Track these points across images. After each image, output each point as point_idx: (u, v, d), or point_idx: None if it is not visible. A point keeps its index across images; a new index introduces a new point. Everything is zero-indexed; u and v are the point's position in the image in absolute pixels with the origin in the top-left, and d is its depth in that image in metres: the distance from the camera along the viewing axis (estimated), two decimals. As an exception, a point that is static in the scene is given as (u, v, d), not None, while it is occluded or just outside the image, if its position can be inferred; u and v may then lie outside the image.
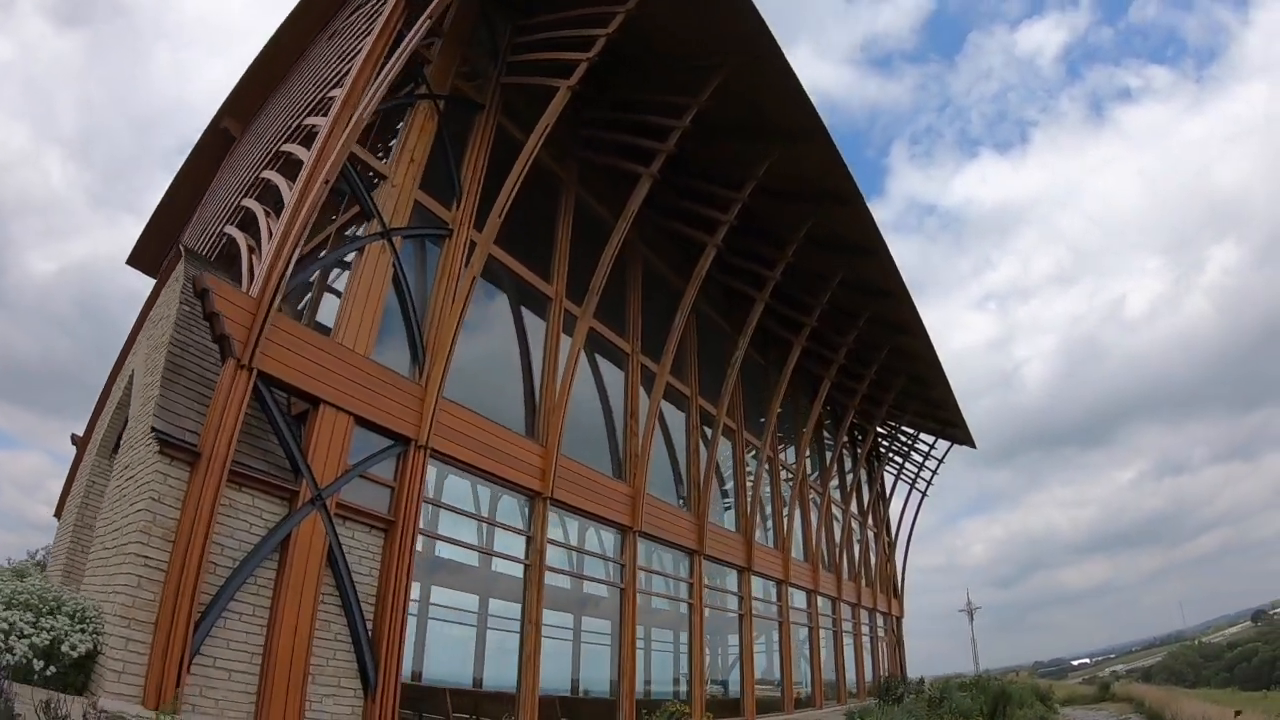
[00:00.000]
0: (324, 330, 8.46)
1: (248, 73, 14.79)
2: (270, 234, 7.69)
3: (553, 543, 10.69)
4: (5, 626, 5.36)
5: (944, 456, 28.41)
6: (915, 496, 28.20)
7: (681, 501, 14.66)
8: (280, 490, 6.85)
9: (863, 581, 23.25)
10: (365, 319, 8.12)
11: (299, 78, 13.16)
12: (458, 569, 11.77)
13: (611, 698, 11.37)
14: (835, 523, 22.33)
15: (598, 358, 13.26)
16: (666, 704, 10.62)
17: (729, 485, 17.16)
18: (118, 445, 9.51)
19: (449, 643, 12.37)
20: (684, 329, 13.58)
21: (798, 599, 18.52)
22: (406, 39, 8.45)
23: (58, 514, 13.27)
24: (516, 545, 10.31)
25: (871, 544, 25.35)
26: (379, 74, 8.26)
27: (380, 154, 9.78)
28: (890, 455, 28.26)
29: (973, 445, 28.18)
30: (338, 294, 9.30)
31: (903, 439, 27.87)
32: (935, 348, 20.26)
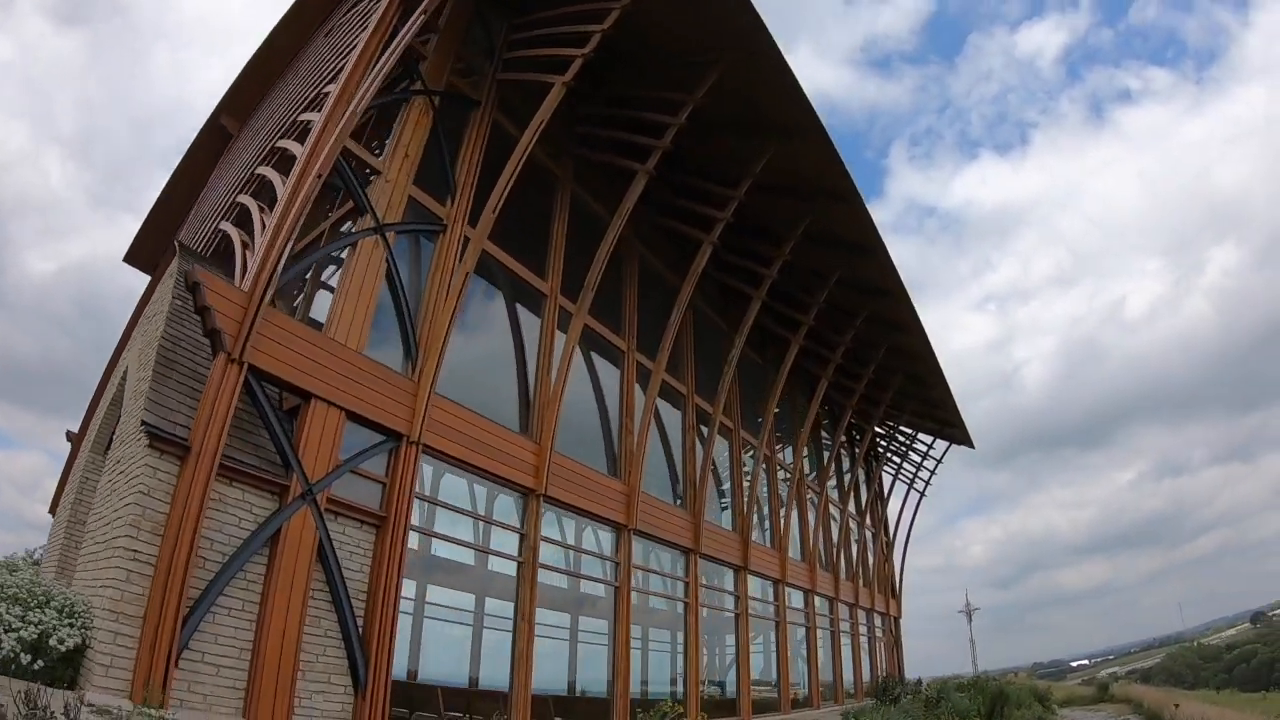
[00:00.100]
0: (317, 326, 8.45)
1: (245, 70, 14.78)
2: (264, 228, 7.68)
3: (547, 540, 10.67)
4: (-7, 620, 5.34)
5: (942, 456, 28.38)
6: (914, 497, 28.20)
7: (679, 501, 14.64)
8: (271, 485, 6.83)
9: (860, 581, 23.22)
10: (358, 314, 8.10)
11: (295, 74, 13.15)
12: (455, 568, 11.74)
13: (608, 698, 11.34)
14: (833, 522, 22.31)
15: (593, 355, 13.25)
16: (660, 704, 10.58)
17: (726, 485, 17.14)
18: (112, 441, 9.49)
19: (446, 642, 12.34)
20: (680, 326, 13.56)
21: (795, 599, 18.50)
22: (400, 34, 8.44)
23: (52, 511, 13.25)
24: (511, 543, 10.30)
25: (869, 544, 25.31)
26: (373, 69, 8.25)
27: (376, 151, 9.77)
28: (888, 455, 28.24)
29: (971, 445, 28.15)
30: (332, 290, 9.28)
31: (901, 439, 27.85)
32: (933, 347, 20.25)
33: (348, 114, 7.77)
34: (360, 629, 7.26)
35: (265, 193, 9.73)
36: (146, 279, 15.69)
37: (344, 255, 8.71)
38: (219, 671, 6.14)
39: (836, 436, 23.00)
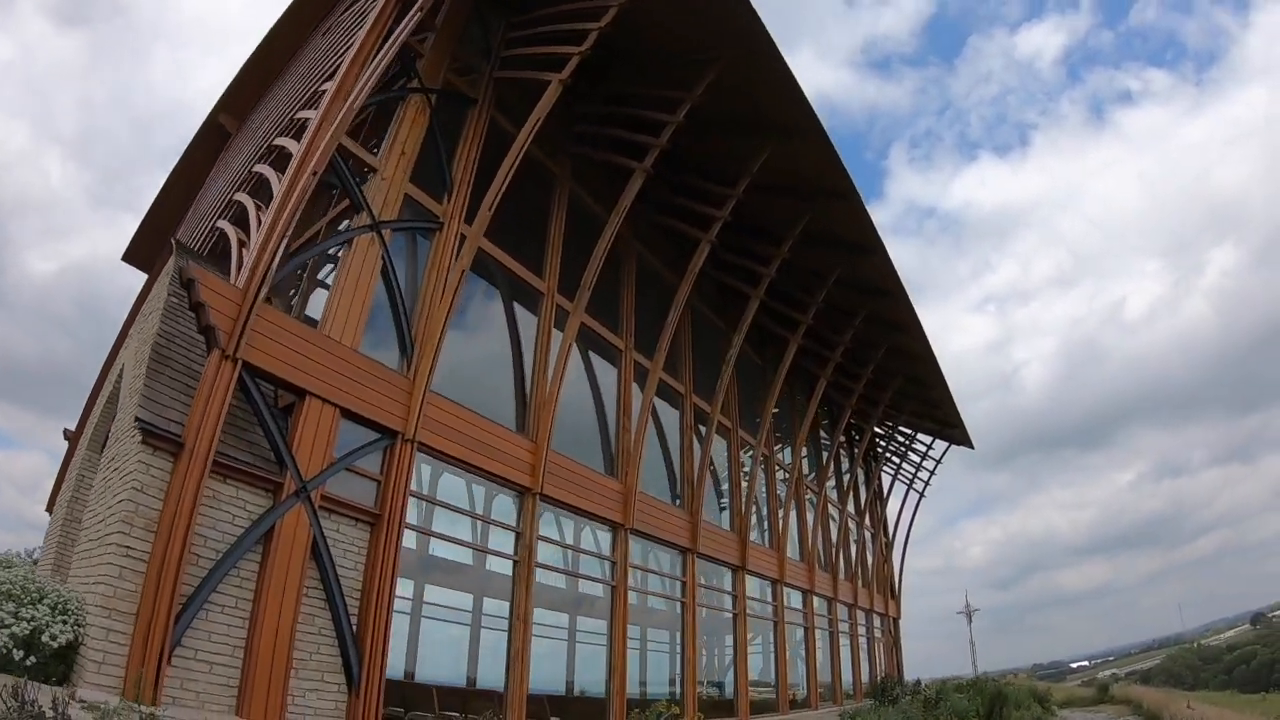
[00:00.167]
0: (313, 324, 8.43)
1: (243, 69, 14.76)
2: (259, 225, 7.67)
3: (545, 540, 10.65)
4: (-14, 616, 5.33)
5: (942, 457, 28.33)
6: (913, 497, 28.17)
7: (677, 501, 14.62)
8: (264, 482, 6.81)
9: (859, 582, 23.19)
10: (353, 311, 8.08)
11: (293, 73, 13.14)
12: (453, 568, 11.73)
13: (605, 698, 11.32)
14: (832, 522, 22.28)
15: (590, 354, 13.22)
16: (656, 704, 10.56)
17: (725, 486, 17.11)
18: (108, 439, 9.48)
19: (444, 642, 12.33)
20: (678, 325, 13.54)
21: (793, 599, 18.47)
22: (397, 31, 8.43)
23: (50, 509, 13.26)
24: (508, 542, 10.27)
25: (868, 544, 25.28)
26: (369, 66, 8.23)
27: (373, 149, 9.75)
28: (888, 455, 28.19)
29: (971, 446, 28.12)
30: (328, 288, 9.25)
31: (900, 439, 27.81)
32: (933, 347, 20.22)
33: (344, 111, 7.76)
34: (354, 627, 7.24)
35: (262, 191, 9.70)
36: (145, 278, 15.70)
37: (340, 253, 8.69)
38: (212, 669, 6.12)
39: (835, 436, 22.97)
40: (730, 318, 16.06)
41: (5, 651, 5.31)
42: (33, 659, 5.44)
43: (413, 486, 8.75)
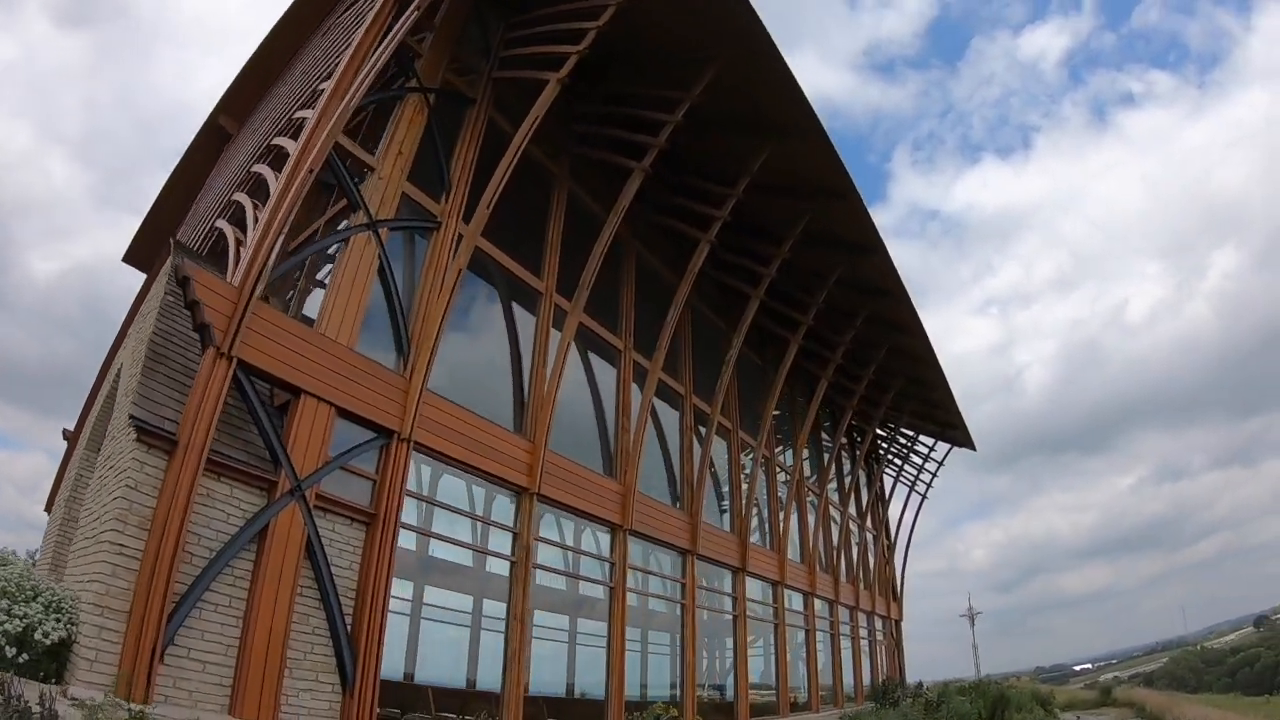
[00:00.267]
0: (310, 323, 8.40)
1: (243, 71, 14.77)
2: (256, 224, 7.65)
3: (543, 540, 10.61)
4: (-21, 614, 5.32)
5: (944, 459, 28.19)
6: (915, 499, 28.02)
7: (677, 502, 14.56)
8: (259, 480, 6.79)
9: (861, 584, 23.10)
10: (349, 310, 8.06)
11: (292, 74, 13.15)
12: (453, 570, 11.69)
13: (605, 700, 11.26)
14: (833, 524, 22.20)
15: (589, 354, 13.19)
16: (654, 706, 10.50)
17: (726, 488, 17.05)
18: (105, 438, 9.47)
19: (444, 643, 12.30)
20: (677, 325, 13.49)
21: (794, 601, 18.39)
22: (394, 30, 8.42)
23: (48, 509, 13.26)
24: (508, 543, 10.22)
25: (870, 546, 25.20)
26: (367, 65, 8.22)
27: (371, 148, 9.74)
28: (889, 457, 28.09)
29: (973, 447, 28.01)
30: (325, 287, 9.23)
31: (902, 440, 27.69)
32: (934, 348, 20.15)
33: (341, 109, 7.74)
34: (349, 627, 7.20)
35: (260, 190, 9.69)
36: (145, 278, 15.71)
37: (337, 252, 8.67)
38: (205, 668, 6.09)
39: (837, 438, 22.89)
40: (730, 318, 16.02)
41: (-2, 648, 5.30)
42: (25, 656, 5.44)
43: (412, 487, 8.74)
